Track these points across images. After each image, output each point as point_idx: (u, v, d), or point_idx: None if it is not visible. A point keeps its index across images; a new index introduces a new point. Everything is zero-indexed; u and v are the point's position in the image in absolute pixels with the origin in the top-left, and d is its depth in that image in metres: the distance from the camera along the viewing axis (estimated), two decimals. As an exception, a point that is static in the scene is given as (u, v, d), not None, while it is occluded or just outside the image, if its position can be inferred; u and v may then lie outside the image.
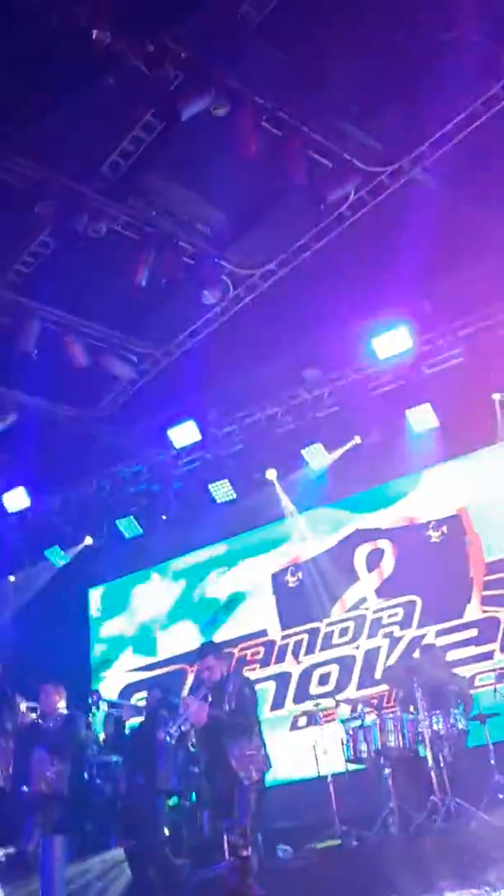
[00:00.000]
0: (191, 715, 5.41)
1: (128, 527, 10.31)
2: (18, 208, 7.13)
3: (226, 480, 9.68)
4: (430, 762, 6.54)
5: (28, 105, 6.35)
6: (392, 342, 8.11)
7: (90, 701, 7.56)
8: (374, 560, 9.12)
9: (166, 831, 6.75)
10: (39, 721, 6.62)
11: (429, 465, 8.95)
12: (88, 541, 10.70)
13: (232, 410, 9.52)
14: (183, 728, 5.45)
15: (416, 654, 8.17)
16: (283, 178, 6.64)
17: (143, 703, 6.77)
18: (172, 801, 6.91)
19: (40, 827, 6.16)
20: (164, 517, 10.27)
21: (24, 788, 6.12)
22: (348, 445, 9.05)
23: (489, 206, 7.00)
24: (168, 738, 5.68)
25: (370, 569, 9.11)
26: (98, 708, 7.58)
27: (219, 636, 9.42)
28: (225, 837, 4.97)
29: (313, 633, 9.22)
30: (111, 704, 7.71)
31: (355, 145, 6.82)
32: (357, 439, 9.00)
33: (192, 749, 5.83)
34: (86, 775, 7.57)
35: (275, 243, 7.78)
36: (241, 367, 9.05)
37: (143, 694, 6.97)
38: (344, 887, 5.82)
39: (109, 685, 9.95)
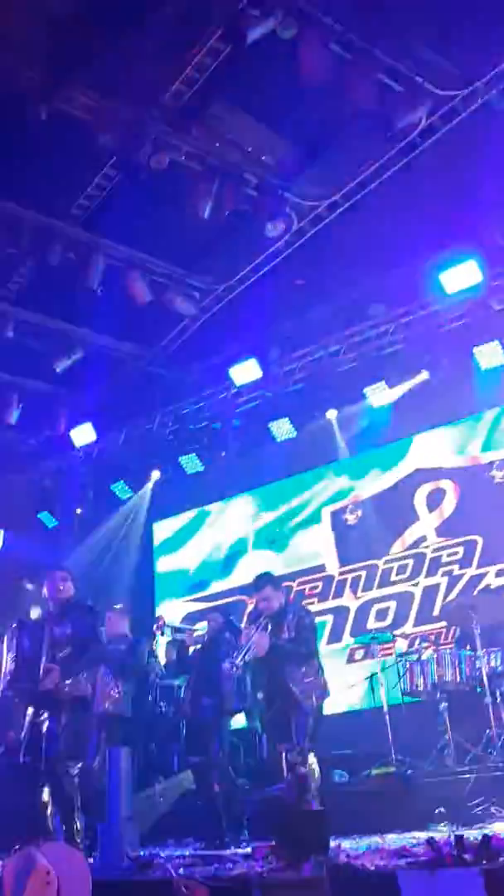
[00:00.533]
0: (253, 645, 5.52)
1: (190, 463, 10.46)
2: (81, 140, 7.09)
3: (286, 418, 9.69)
4: (488, 697, 6.60)
5: (90, 31, 6.25)
6: (461, 276, 7.87)
7: (155, 626, 7.82)
8: (435, 500, 9.05)
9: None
10: (106, 644, 6.89)
11: (496, 403, 8.76)
12: (156, 475, 10.90)
13: (294, 347, 9.44)
14: (247, 658, 5.57)
15: (475, 594, 8.17)
16: (351, 103, 6.41)
17: (204, 632, 6.97)
18: (240, 724, 7.13)
19: (105, 744, 6.45)
20: (223, 454, 10.37)
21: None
22: (415, 380, 8.88)
23: None
24: (234, 669, 5.82)
25: (431, 508, 9.06)
26: (162, 633, 7.84)
27: (277, 570, 9.55)
28: (283, 756, 5.12)
29: (371, 569, 9.27)
30: (175, 629, 7.95)
31: (427, 67, 6.52)
32: (425, 374, 8.82)
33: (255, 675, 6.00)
34: (150, 697, 7.92)
35: (341, 173, 7.57)
36: (304, 303, 8.94)
37: (204, 623, 7.15)
38: (398, 811, 5.99)
39: (172, 614, 10.23)
